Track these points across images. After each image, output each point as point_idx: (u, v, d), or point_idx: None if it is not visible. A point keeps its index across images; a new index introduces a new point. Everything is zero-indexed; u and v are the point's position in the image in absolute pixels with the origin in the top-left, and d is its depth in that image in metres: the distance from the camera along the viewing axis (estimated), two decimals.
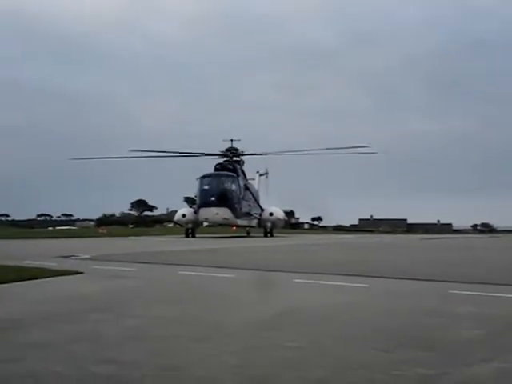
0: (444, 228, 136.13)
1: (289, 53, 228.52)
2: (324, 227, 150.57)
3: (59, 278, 13.82)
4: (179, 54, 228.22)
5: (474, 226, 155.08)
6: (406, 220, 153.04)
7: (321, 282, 12.97)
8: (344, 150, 68.00)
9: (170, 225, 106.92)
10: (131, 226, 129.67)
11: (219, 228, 72.28)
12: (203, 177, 62.77)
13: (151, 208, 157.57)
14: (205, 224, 70.46)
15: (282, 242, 47.29)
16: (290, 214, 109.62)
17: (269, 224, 67.95)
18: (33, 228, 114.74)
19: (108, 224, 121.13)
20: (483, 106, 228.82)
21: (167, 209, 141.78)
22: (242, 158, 70.47)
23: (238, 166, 68.07)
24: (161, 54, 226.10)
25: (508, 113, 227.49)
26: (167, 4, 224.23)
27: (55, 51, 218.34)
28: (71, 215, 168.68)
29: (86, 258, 21.15)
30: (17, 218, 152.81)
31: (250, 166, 72.85)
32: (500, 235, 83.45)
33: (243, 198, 65.86)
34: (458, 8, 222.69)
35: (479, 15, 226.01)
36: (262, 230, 68.50)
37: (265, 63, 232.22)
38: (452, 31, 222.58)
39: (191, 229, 62.37)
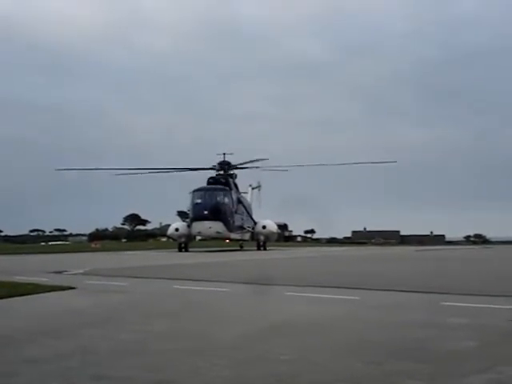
0: (437, 239, 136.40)
1: (281, 65, 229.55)
2: (317, 240, 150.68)
3: (52, 293, 13.77)
4: (169, 66, 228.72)
5: (467, 237, 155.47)
6: (398, 232, 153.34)
7: (312, 294, 12.99)
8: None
9: (164, 239, 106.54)
10: (124, 240, 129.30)
11: (212, 242, 72.05)
12: (196, 191, 62.80)
13: (144, 222, 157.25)
14: (198, 238, 70.32)
15: (275, 255, 47.25)
16: (282, 226, 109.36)
17: (262, 237, 67.94)
18: (25, 243, 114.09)
19: (101, 238, 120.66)
20: (475, 117, 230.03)
21: (160, 223, 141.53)
22: (235, 171, 70.52)
23: (231, 180, 68.12)
24: (150, 66, 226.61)
25: (502, 124, 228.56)
26: (156, 16, 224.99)
27: (44, 64, 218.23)
28: (64, 230, 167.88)
29: (79, 273, 21.09)
30: (9, 234, 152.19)
31: (242, 180, 73.01)
32: (493, 246, 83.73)
33: (236, 212, 65.87)
34: (446, 19, 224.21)
35: (468, 26, 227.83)
36: (255, 243, 68.46)
37: (257, 75, 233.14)
38: (442, 42, 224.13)
39: (184, 243, 62.24)
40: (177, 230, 63.67)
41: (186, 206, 69.17)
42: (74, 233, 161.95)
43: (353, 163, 75.11)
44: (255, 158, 67.21)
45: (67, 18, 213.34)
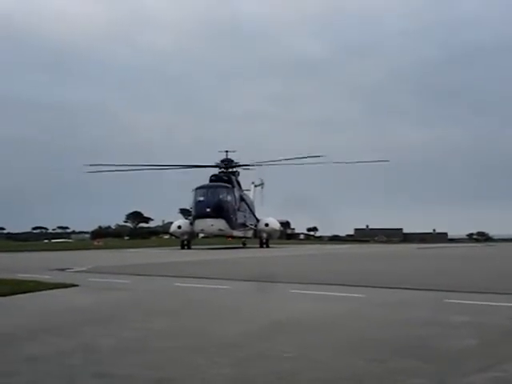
0: (440, 237, 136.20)
1: (281, 64, 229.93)
2: (320, 237, 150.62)
3: (55, 290, 13.77)
4: (171, 64, 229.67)
5: (470, 234, 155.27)
6: (401, 229, 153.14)
7: (317, 292, 12.95)
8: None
9: (166, 236, 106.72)
10: (127, 237, 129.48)
11: (215, 239, 72.18)
12: (198, 188, 62.84)
13: (147, 220, 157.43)
14: (200, 235, 70.41)
15: (278, 252, 47.23)
16: (285, 224, 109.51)
17: (264, 235, 67.95)
18: (28, 241, 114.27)
19: (103, 236, 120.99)
20: (475, 117, 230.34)
21: (163, 220, 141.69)
22: (237, 169, 70.59)
23: (233, 177, 68.18)
24: (152, 65, 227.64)
25: (502, 122, 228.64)
26: (158, 15, 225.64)
27: (46, 63, 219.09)
28: (67, 228, 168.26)
29: (82, 271, 21.09)
30: (12, 231, 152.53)
31: (245, 177, 73.07)
32: (496, 244, 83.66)
33: (239, 209, 65.93)
34: (446, 19, 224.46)
35: (468, 25, 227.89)
36: (258, 240, 68.48)
37: (257, 74, 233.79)
38: (442, 42, 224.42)
39: (187, 240, 62.29)
40: (179, 227, 63.71)
41: (188, 204, 69.20)
42: (76, 230, 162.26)
43: (347, 162, 74.76)
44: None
45: (69, 16, 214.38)
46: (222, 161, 69.39)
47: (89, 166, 67.58)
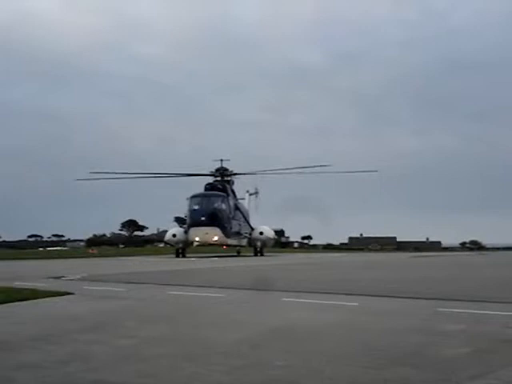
0: (433, 246, 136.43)
1: (278, 72, 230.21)
2: (314, 246, 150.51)
3: (50, 298, 13.79)
4: (166, 74, 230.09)
5: (463, 243, 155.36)
6: (395, 238, 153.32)
7: (310, 300, 12.99)
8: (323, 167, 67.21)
9: (161, 245, 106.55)
10: (122, 246, 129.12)
11: (209, 248, 71.89)
12: (193, 197, 62.79)
13: (142, 228, 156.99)
14: (195, 244, 70.37)
15: (272, 261, 47.21)
16: (279, 232, 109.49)
17: (259, 243, 67.93)
18: (23, 249, 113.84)
19: (98, 244, 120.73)
20: (470, 124, 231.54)
21: (158, 229, 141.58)
22: (232, 177, 70.61)
23: (228, 186, 68.18)
24: (147, 75, 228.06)
25: (495, 131, 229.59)
26: (154, 25, 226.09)
27: (41, 72, 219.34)
28: (62, 236, 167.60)
29: (77, 279, 21.10)
30: (7, 239, 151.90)
31: (240, 186, 73.10)
32: (488, 253, 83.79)
33: (233, 218, 65.88)
34: (442, 29, 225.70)
35: (463, 35, 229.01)
36: (252, 249, 68.42)
37: (254, 82, 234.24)
38: (439, 51, 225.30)
39: (181, 249, 62.27)
40: (174, 235, 63.64)
41: (183, 212, 69.19)
42: (71, 238, 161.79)
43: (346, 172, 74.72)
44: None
45: (65, 26, 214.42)
46: (217, 169, 69.44)
47: (81, 173, 67.53)
